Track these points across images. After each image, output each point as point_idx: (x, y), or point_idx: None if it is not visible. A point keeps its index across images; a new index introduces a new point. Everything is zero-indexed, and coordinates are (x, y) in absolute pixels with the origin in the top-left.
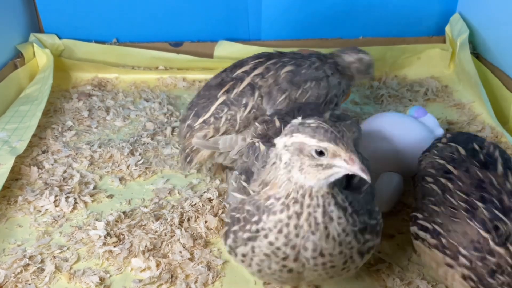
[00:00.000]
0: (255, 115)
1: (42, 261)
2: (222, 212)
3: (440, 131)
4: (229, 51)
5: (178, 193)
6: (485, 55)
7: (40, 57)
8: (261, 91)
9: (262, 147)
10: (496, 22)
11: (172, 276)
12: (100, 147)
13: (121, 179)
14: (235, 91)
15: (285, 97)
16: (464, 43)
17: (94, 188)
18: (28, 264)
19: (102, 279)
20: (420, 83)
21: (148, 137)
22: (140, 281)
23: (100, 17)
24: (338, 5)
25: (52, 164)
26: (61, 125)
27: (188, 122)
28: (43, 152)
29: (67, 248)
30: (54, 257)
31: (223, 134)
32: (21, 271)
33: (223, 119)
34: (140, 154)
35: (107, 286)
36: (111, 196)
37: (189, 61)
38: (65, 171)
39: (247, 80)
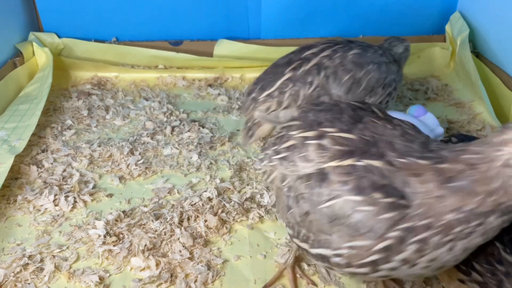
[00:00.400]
0: (319, 93)
1: (41, 260)
2: (222, 211)
3: (440, 130)
4: (229, 50)
5: (178, 192)
6: (485, 54)
7: (40, 56)
8: (327, 71)
9: (378, 163)
10: (496, 20)
11: (171, 276)
12: (99, 146)
13: (121, 178)
14: (301, 69)
15: (350, 77)
16: (464, 42)
17: (94, 187)
18: (28, 264)
19: (101, 279)
20: (421, 82)
21: (147, 136)
22: (140, 280)
23: (99, 16)
24: (338, 3)
25: (52, 163)
26: (60, 124)
27: (253, 95)
28: (43, 151)
29: (67, 247)
30: (54, 256)
31: (284, 108)
32: (21, 270)
33: (286, 94)
34: (140, 154)
35: (106, 285)
36: (110, 195)
37: (188, 60)
38: (64, 170)
39: (315, 60)
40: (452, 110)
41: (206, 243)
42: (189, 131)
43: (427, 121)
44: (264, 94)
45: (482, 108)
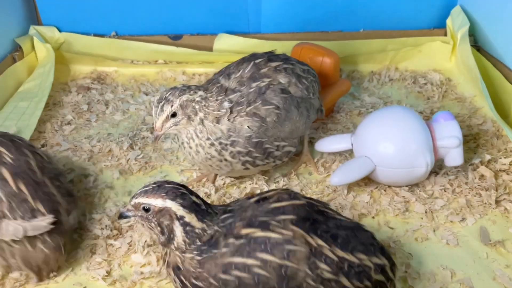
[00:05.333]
0: None
1: None
2: None
3: (452, 142)
4: (229, 44)
5: None
6: (486, 48)
7: (39, 50)
8: None
9: None
10: (497, 14)
11: None
12: (99, 141)
13: (121, 173)
14: None
15: None
16: (465, 36)
17: (94, 182)
18: None
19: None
20: (421, 76)
21: (147, 131)
22: (140, 276)
23: (99, 10)
24: None
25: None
26: (60, 118)
27: None
28: (42, 146)
29: None
30: None
31: None
32: None
33: None
34: (139, 148)
35: (106, 281)
36: (110, 190)
37: (188, 54)
38: (64, 165)
39: None
40: (453, 105)
41: None
42: None
43: (448, 127)
44: None
45: (483, 102)
